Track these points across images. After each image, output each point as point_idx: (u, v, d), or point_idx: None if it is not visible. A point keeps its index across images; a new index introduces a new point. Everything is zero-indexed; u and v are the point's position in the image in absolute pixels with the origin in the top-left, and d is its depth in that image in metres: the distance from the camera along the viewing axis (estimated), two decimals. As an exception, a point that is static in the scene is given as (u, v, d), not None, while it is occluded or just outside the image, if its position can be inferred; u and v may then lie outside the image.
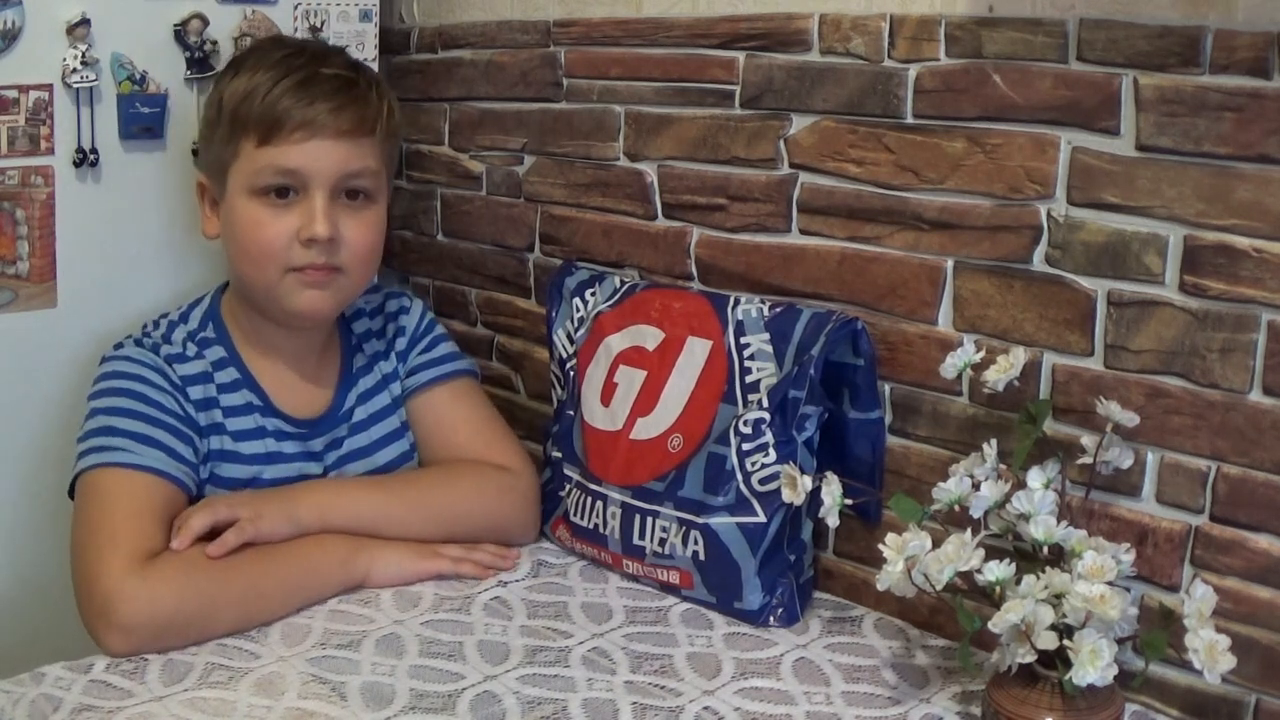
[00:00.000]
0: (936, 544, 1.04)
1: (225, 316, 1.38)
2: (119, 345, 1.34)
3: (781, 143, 1.34)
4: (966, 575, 1.03)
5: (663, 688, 1.14)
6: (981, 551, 1.03)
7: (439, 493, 1.37)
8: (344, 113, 1.29)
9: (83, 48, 1.37)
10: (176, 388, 1.30)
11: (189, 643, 1.16)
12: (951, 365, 1.15)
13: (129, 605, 1.13)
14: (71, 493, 1.25)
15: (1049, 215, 1.15)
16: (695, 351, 1.36)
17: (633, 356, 1.40)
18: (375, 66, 1.62)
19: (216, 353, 1.35)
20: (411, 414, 1.46)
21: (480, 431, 1.45)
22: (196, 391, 1.32)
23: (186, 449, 1.28)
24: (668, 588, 1.32)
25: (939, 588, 1.02)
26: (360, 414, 1.42)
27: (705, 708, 1.11)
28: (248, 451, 1.33)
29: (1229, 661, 0.95)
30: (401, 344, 1.46)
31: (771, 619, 1.27)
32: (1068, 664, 0.97)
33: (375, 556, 1.31)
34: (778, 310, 1.32)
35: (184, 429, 1.29)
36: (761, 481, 1.26)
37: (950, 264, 1.23)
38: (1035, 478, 1.08)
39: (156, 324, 1.37)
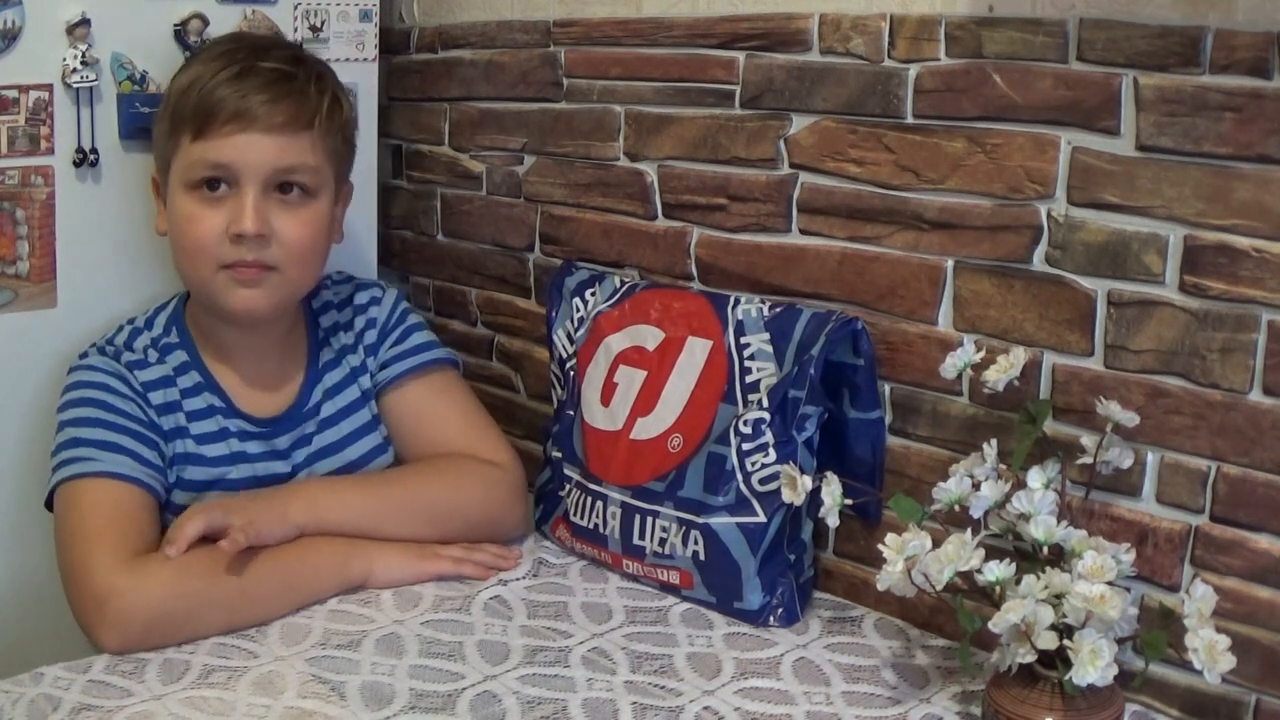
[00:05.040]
0: (936, 544, 1.04)
1: (188, 319, 1.38)
2: (83, 355, 1.34)
3: (781, 143, 1.34)
4: (966, 575, 1.03)
5: (663, 688, 1.14)
6: (981, 551, 1.03)
7: (429, 491, 1.36)
8: (278, 105, 1.27)
9: (83, 48, 1.37)
10: (138, 394, 1.30)
11: (180, 640, 1.16)
12: (951, 365, 1.15)
13: (121, 600, 1.14)
14: (49, 505, 1.26)
15: (1049, 215, 1.15)
16: (695, 351, 1.36)
17: (633, 356, 1.40)
18: (375, 66, 1.63)
19: (179, 357, 1.35)
20: (387, 410, 1.43)
21: (464, 426, 1.43)
22: (157, 396, 1.32)
23: (152, 453, 1.28)
24: (668, 588, 1.32)
25: (939, 588, 1.02)
26: (328, 409, 1.40)
27: (705, 708, 1.11)
28: (211, 454, 1.33)
29: (1229, 661, 0.95)
30: (371, 337, 1.44)
31: (771, 619, 1.27)
32: (1068, 664, 0.97)
33: (375, 558, 1.30)
34: (778, 310, 1.32)
35: (148, 434, 1.29)
36: (761, 481, 1.26)
37: (950, 264, 1.23)
38: (1035, 478, 1.08)
39: (120, 329, 1.37)
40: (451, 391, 1.46)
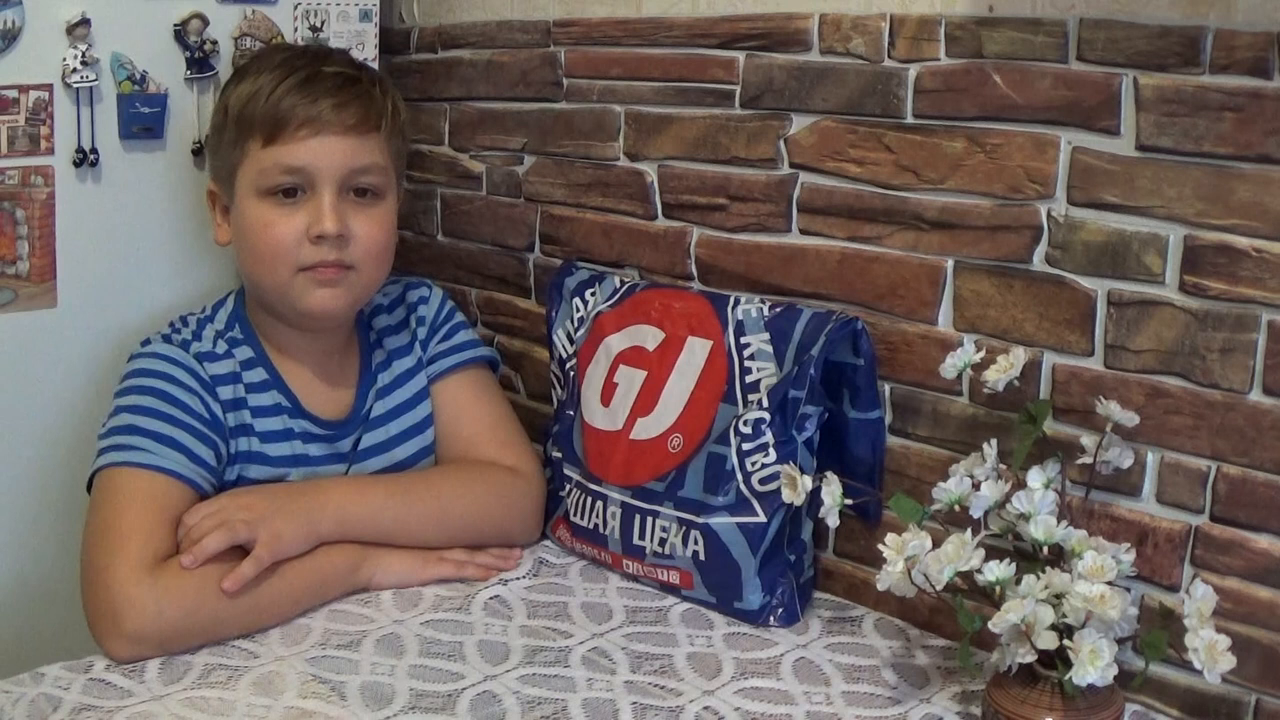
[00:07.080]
0: (936, 544, 1.04)
1: (250, 318, 1.38)
2: (146, 342, 1.33)
3: (781, 143, 1.34)
4: (966, 575, 1.03)
5: (663, 688, 1.14)
6: (981, 551, 1.03)
7: (453, 500, 1.36)
8: (348, 108, 1.29)
9: (83, 48, 1.37)
10: (205, 386, 1.30)
11: (193, 649, 1.16)
12: (951, 365, 1.15)
13: (137, 614, 1.13)
14: (89, 487, 1.25)
15: (1049, 215, 1.15)
16: (695, 351, 1.36)
17: (633, 356, 1.40)
18: (375, 66, 1.62)
19: (245, 352, 1.35)
20: (432, 401, 1.45)
21: (495, 430, 1.45)
22: (226, 392, 1.31)
23: (208, 452, 1.27)
24: (668, 588, 1.32)
25: (939, 588, 1.02)
26: (379, 409, 1.41)
27: (705, 708, 1.11)
28: (274, 454, 1.33)
29: (1229, 661, 0.95)
30: (422, 333, 1.46)
31: (771, 619, 1.27)
32: (1068, 664, 0.97)
33: (379, 563, 1.31)
34: (778, 310, 1.32)
35: (207, 432, 1.28)
36: (761, 481, 1.26)
37: (950, 264, 1.23)
38: (1035, 478, 1.08)
39: (185, 321, 1.37)
40: (488, 393, 1.47)
